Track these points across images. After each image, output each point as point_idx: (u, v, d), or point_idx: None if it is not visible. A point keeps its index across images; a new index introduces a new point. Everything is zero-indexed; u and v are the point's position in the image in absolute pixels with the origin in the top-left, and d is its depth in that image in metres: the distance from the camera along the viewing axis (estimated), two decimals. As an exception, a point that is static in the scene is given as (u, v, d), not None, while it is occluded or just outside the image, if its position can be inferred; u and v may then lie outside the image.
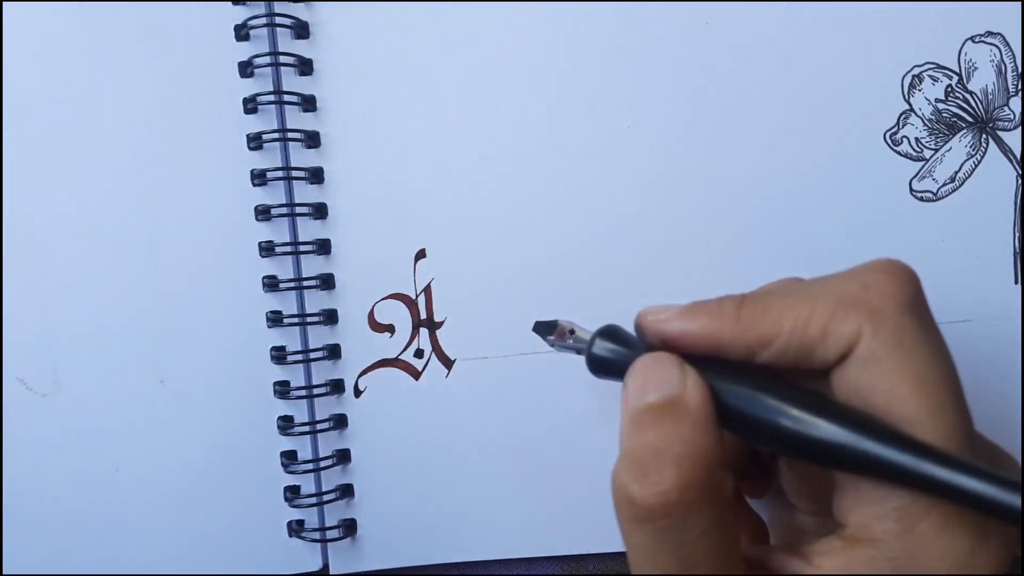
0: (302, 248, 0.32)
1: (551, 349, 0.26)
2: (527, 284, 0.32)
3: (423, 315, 0.33)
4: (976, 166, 0.32)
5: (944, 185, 0.32)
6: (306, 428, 0.33)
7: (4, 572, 0.32)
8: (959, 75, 0.32)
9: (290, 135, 0.32)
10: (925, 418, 0.19)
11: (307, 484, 0.33)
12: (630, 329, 0.24)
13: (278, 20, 0.32)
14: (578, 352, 0.25)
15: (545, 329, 0.26)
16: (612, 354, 0.23)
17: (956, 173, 0.32)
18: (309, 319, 0.32)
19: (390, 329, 0.33)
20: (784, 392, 0.20)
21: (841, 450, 0.19)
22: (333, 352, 0.33)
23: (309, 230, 0.33)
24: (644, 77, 0.32)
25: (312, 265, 0.33)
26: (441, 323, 0.33)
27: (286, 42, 0.32)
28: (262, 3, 0.32)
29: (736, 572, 0.20)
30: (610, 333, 0.23)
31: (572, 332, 0.25)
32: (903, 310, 0.20)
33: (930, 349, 0.19)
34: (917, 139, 0.32)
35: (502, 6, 0.32)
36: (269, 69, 0.32)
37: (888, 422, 0.19)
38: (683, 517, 0.19)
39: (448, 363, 0.33)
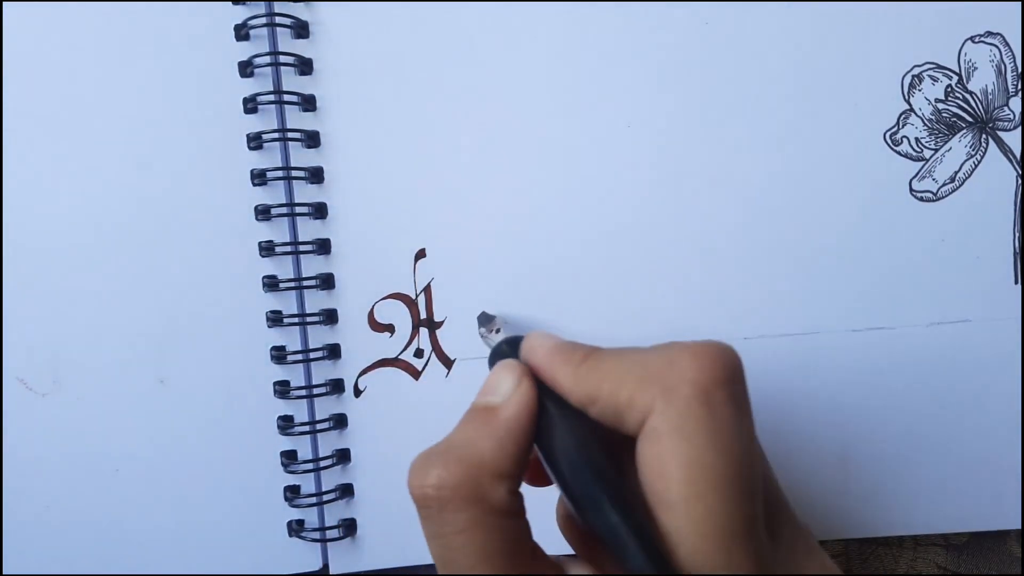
0: (302, 248, 0.32)
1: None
2: (527, 284, 0.32)
3: (423, 315, 0.33)
4: (976, 166, 0.32)
5: (944, 185, 0.32)
6: (306, 428, 0.33)
7: (4, 572, 0.32)
8: (959, 75, 0.32)
9: (290, 135, 0.32)
10: (680, 504, 0.19)
11: (307, 484, 0.33)
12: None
13: (278, 20, 0.32)
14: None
15: (484, 320, 0.31)
16: (498, 358, 0.26)
17: (956, 173, 0.32)
18: (309, 319, 0.32)
19: (390, 329, 0.33)
20: (586, 453, 0.22)
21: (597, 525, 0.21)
22: (333, 352, 0.33)
23: (309, 230, 0.33)
24: (644, 76, 0.32)
25: (312, 265, 0.33)
26: (441, 323, 0.33)
27: (286, 42, 0.32)
28: (262, 3, 0.32)
29: (495, 572, 0.21)
30: (512, 343, 0.26)
31: (498, 331, 0.30)
32: (695, 393, 0.20)
33: (711, 436, 0.20)
34: (917, 139, 0.32)
35: (502, 6, 0.32)
36: (269, 69, 0.32)
37: (651, 503, 0.20)
38: (439, 512, 0.21)
39: (448, 363, 0.33)
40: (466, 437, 0.22)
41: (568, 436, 0.22)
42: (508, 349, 0.26)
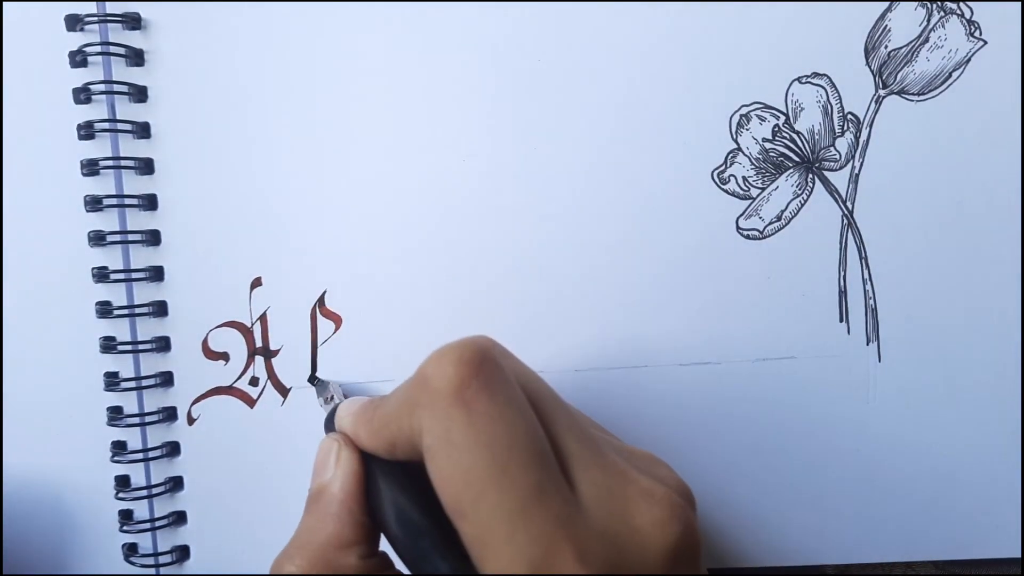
0: (135, 275, 0.32)
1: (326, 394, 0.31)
2: (362, 314, 0.33)
3: (259, 343, 0.33)
4: (802, 205, 0.32)
5: (770, 223, 0.32)
6: (139, 455, 0.33)
7: (4, 572, 0.33)
8: (786, 115, 0.32)
9: (124, 162, 0.32)
10: (468, 511, 0.20)
11: (140, 509, 0.33)
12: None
13: (112, 49, 0.32)
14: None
15: (319, 389, 0.32)
16: (332, 427, 0.27)
17: (782, 212, 0.32)
18: (142, 346, 0.32)
19: (224, 357, 0.33)
20: (400, 504, 0.23)
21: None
22: (166, 380, 0.33)
23: (142, 257, 0.33)
24: (477, 112, 0.32)
25: (145, 292, 0.33)
26: (277, 351, 0.33)
27: (120, 69, 0.32)
28: (96, 31, 0.32)
29: None
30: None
31: (332, 398, 0.31)
32: (449, 401, 0.20)
33: (475, 438, 0.20)
34: (744, 178, 0.32)
35: (339, 37, 0.32)
36: (104, 96, 0.32)
37: (451, 520, 0.21)
38: None
39: (284, 391, 0.33)
40: (307, 525, 0.24)
41: (385, 494, 0.23)
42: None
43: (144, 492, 0.33)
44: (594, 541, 0.20)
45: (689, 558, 0.21)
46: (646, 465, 0.23)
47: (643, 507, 0.21)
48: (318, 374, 0.32)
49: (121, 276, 0.32)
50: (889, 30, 0.31)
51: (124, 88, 0.32)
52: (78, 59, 0.32)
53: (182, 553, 0.33)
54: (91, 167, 0.32)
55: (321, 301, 0.33)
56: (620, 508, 0.21)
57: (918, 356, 0.32)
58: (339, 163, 0.32)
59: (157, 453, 0.33)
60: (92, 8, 0.32)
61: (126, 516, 0.33)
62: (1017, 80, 0.31)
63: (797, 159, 0.32)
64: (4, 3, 0.32)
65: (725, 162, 0.32)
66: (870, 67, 0.32)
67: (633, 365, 0.32)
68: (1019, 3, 0.31)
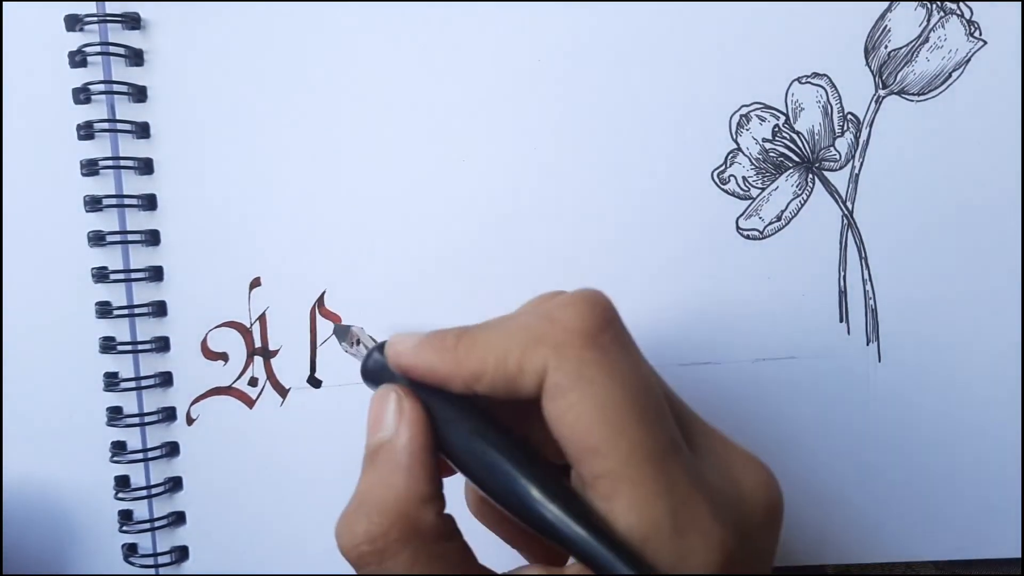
0: (134, 275, 0.32)
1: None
2: (361, 314, 0.33)
3: (258, 344, 0.33)
4: (802, 205, 0.32)
5: (770, 223, 0.32)
6: (138, 455, 0.33)
7: (4, 572, 0.33)
8: (786, 115, 0.32)
9: (123, 162, 0.32)
10: (604, 446, 0.19)
11: (140, 510, 0.33)
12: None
13: (112, 49, 0.32)
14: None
15: (341, 334, 0.27)
16: (374, 373, 0.24)
17: (782, 212, 0.32)
18: (141, 346, 0.32)
19: (223, 357, 0.33)
20: (488, 437, 0.21)
21: (515, 504, 0.21)
22: (165, 380, 0.33)
23: (142, 257, 0.33)
24: (477, 112, 0.32)
25: (144, 292, 0.33)
26: (276, 352, 0.33)
27: (120, 69, 0.32)
28: (96, 30, 0.32)
29: None
30: (383, 349, 0.23)
31: (358, 342, 0.26)
32: (584, 342, 0.20)
33: (612, 377, 0.20)
34: (744, 178, 0.32)
35: (339, 37, 0.32)
36: (103, 96, 0.32)
37: (574, 456, 0.20)
38: (380, 564, 0.20)
39: (283, 392, 0.33)
40: (374, 482, 0.22)
41: (470, 437, 0.22)
42: (381, 356, 0.24)
43: (144, 492, 0.33)
44: (719, 501, 0.20)
45: (779, 523, 0.22)
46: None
47: (750, 470, 0.22)
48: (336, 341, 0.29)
49: (121, 276, 0.32)
50: (889, 30, 0.31)
51: (124, 88, 0.32)
52: (78, 59, 0.32)
53: (181, 553, 0.33)
54: (91, 167, 0.32)
55: (321, 301, 0.33)
56: (728, 472, 0.21)
57: (918, 356, 0.32)
58: (338, 163, 0.32)
59: (156, 453, 0.33)
60: (92, 8, 0.32)
61: (126, 516, 0.33)
62: (1017, 80, 0.31)
63: (797, 159, 0.32)
64: (4, 3, 0.32)
65: (725, 162, 0.32)
66: (870, 67, 0.32)
67: (633, 365, 0.32)
68: (1019, 3, 0.31)
